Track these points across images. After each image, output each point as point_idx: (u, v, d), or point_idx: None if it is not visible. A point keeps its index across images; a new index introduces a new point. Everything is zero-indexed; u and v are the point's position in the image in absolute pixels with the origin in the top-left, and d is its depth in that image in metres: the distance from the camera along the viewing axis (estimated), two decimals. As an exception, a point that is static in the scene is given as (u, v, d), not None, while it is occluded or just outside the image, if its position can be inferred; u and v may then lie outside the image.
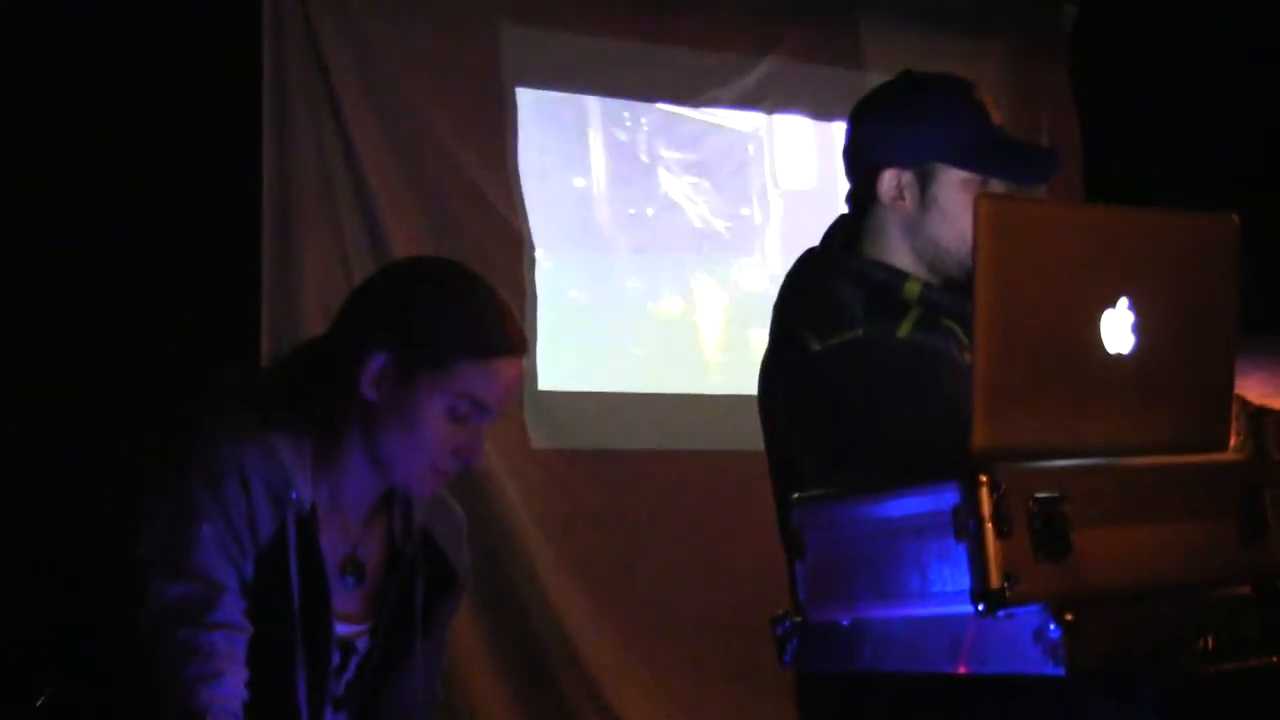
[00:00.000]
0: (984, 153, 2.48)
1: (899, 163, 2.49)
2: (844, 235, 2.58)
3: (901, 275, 2.48)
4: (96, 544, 2.33)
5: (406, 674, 2.31)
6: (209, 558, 2.09)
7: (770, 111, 5.35)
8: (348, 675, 2.27)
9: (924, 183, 2.48)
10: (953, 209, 2.46)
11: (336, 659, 2.25)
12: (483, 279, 2.31)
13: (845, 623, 1.94)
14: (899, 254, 2.51)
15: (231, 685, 2.07)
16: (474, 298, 2.25)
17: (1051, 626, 1.67)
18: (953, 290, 2.45)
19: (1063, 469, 1.76)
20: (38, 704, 2.25)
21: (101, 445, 3.68)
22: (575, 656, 4.63)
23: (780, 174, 5.43)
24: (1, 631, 3.35)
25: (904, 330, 2.41)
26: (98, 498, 2.40)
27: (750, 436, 2.66)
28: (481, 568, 4.28)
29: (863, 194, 2.55)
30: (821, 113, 5.39)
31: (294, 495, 2.15)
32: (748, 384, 2.67)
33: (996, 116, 2.52)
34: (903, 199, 2.49)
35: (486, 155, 4.79)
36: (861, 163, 2.56)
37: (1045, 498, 1.71)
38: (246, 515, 2.12)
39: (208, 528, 2.10)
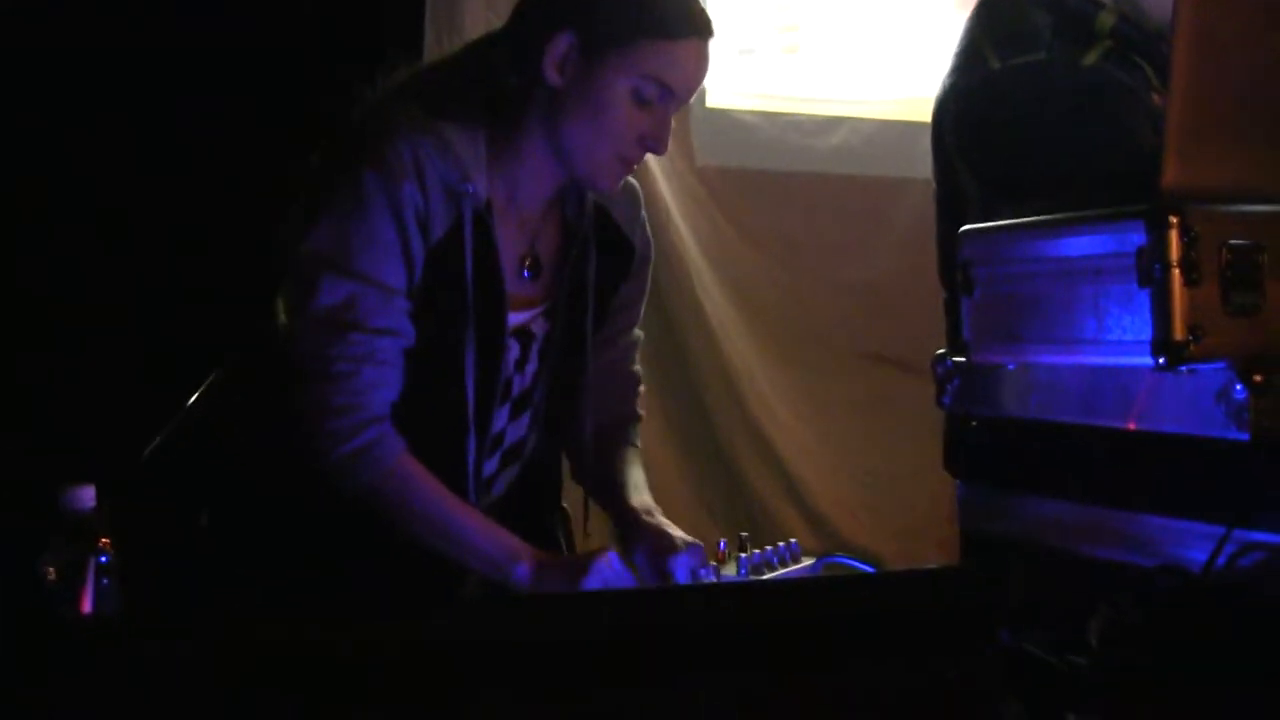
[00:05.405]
0: None
1: None
2: None
3: (1097, 5, 2.39)
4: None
5: (585, 355, 2.28)
6: (380, 258, 2.06)
7: None
8: (531, 366, 2.25)
9: None
10: None
11: (516, 351, 2.22)
12: None
13: (1011, 366, 1.87)
14: None
15: (394, 393, 2.08)
16: None
17: (1238, 387, 1.56)
18: (1149, 33, 2.35)
19: (1260, 214, 1.64)
20: (201, 523, 2.21)
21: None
22: (729, 377, 4.54)
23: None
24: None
25: (1090, 59, 2.32)
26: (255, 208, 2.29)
27: (928, 164, 2.55)
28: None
29: None
30: None
31: (470, 189, 2.10)
32: (928, 111, 2.58)
33: None
34: None
35: None
36: None
37: (1240, 245, 1.59)
38: (421, 213, 2.08)
39: (381, 225, 2.06)
